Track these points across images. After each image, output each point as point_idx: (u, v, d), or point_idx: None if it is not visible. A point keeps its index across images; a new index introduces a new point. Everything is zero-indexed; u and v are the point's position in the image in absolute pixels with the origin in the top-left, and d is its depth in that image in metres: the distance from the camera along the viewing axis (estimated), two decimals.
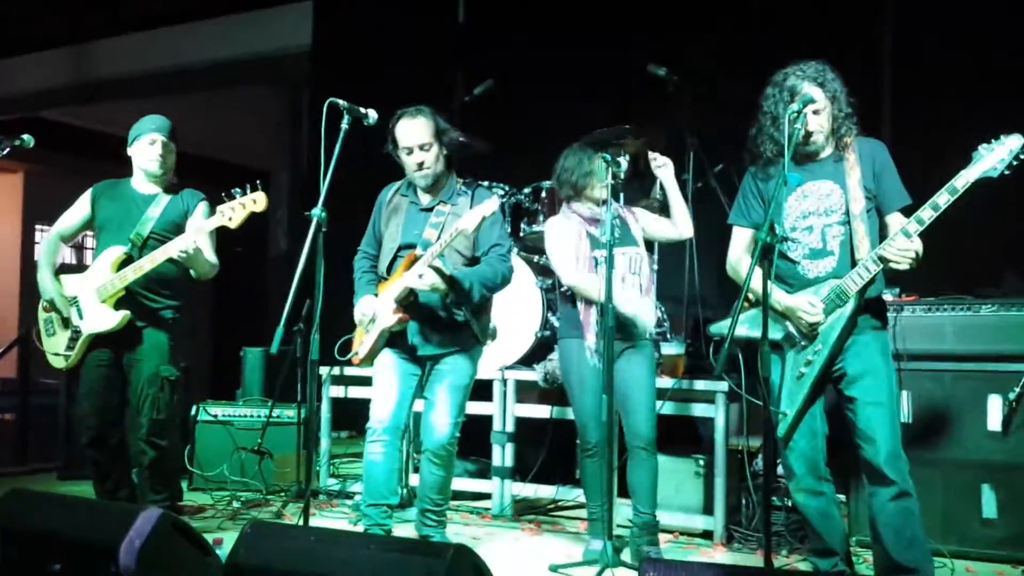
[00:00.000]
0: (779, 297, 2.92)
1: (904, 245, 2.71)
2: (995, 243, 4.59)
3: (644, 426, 3.56)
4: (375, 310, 3.49)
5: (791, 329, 2.92)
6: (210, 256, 3.78)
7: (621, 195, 3.96)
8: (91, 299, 3.72)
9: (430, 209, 3.54)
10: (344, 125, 3.31)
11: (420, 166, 3.49)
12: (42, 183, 11.52)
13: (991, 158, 2.67)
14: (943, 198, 2.67)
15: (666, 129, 4.73)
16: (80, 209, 3.93)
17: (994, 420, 3.52)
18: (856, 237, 2.86)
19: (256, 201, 3.56)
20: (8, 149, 3.67)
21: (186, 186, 3.96)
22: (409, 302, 3.45)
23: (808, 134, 2.91)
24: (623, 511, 3.82)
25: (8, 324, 10.44)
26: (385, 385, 3.52)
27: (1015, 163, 2.66)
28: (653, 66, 4.77)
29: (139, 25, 8.56)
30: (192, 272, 3.81)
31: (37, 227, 12.11)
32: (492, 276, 3.43)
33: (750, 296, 2.90)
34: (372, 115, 3.37)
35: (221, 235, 3.78)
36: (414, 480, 4.34)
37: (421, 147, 3.47)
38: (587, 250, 3.63)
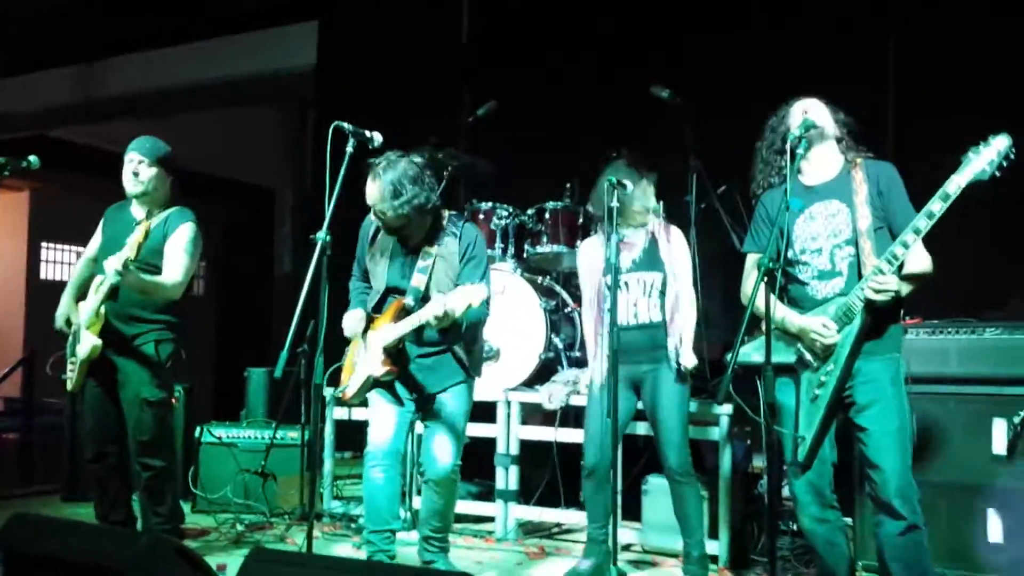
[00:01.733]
0: (792, 319, 2.92)
1: (879, 283, 2.73)
2: (999, 266, 4.58)
3: (675, 455, 3.59)
4: (362, 347, 3.46)
5: (803, 352, 2.91)
6: (166, 277, 3.74)
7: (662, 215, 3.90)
8: (83, 326, 3.80)
9: (416, 251, 3.49)
10: (349, 148, 3.31)
11: (386, 227, 3.46)
12: (48, 201, 11.54)
13: (980, 160, 2.67)
14: (936, 205, 2.67)
15: (669, 150, 4.73)
16: (98, 233, 4.05)
17: (999, 444, 3.50)
18: (863, 255, 2.85)
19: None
20: (14, 170, 3.70)
21: (191, 204, 3.98)
22: (398, 350, 3.43)
23: (812, 124, 2.91)
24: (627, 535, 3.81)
25: (13, 343, 10.44)
26: (382, 410, 3.50)
27: (1004, 164, 2.66)
28: (656, 87, 4.79)
29: (146, 44, 8.61)
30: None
31: (43, 245, 12.11)
32: (473, 318, 3.39)
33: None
34: (377, 138, 3.38)
35: (226, 257, 3.78)
36: (417, 502, 4.33)
37: (376, 212, 3.43)
38: (600, 275, 3.67)
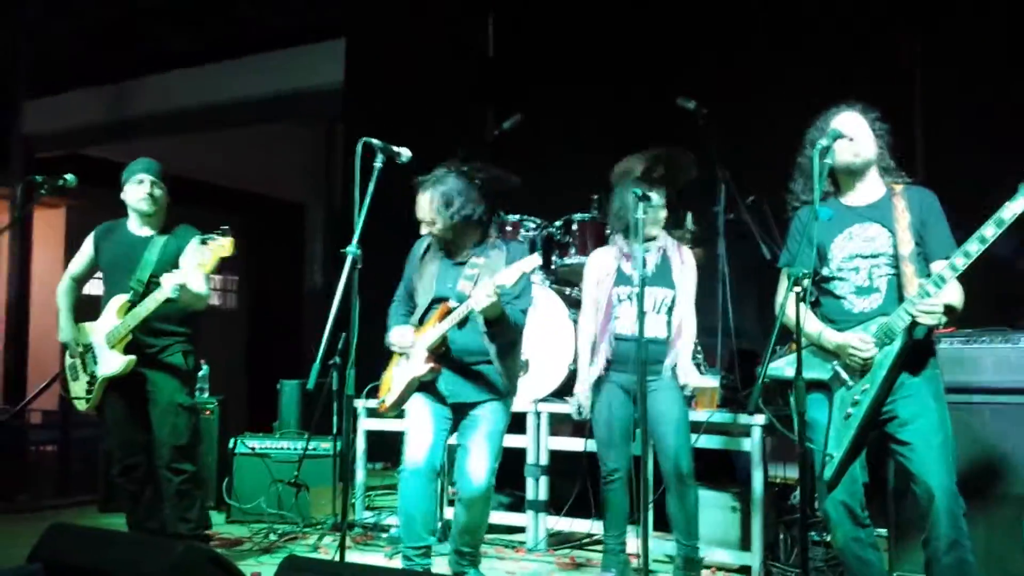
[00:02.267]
0: (829, 336, 2.90)
1: (929, 305, 2.71)
2: None
3: (680, 458, 3.57)
4: (404, 360, 3.52)
5: (839, 369, 2.90)
6: (199, 288, 3.85)
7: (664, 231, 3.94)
8: (103, 345, 3.87)
9: (463, 263, 3.56)
10: (377, 164, 3.36)
11: (433, 235, 3.57)
12: (84, 218, 11.70)
13: None
14: (989, 231, 2.65)
15: (697, 162, 4.73)
16: (85, 253, 4.11)
17: None
18: (904, 278, 2.84)
19: (224, 247, 3.63)
20: (52, 189, 3.82)
21: (219, 217, 4.06)
22: (441, 352, 3.47)
23: (855, 154, 2.90)
24: (663, 546, 3.80)
25: (51, 356, 10.60)
26: (418, 426, 3.51)
27: None
28: (682, 99, 4.80)
29: (176, 63, 8.76)
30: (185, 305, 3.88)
31: None
32: (515, 318, 3.45)
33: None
34: (405, 153, 3.42)
35: (258, 272, 3.84)
36: (448, 512, 4.34)
37: (426, 223, 3.54)
38: (610, 285, 3.68)
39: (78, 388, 3.96)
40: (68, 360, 4.02)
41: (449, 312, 3.43)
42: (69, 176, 3.82)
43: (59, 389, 6.30)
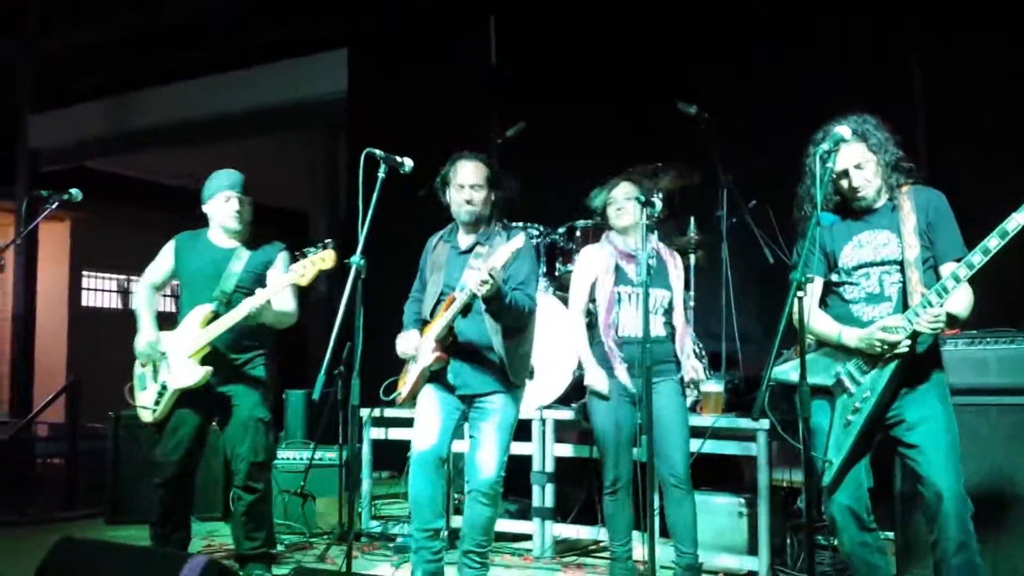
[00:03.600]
0: (850, 333, 2.89)
1: (932, 316, 2.71)
2: None
3: (678, 463, 3.55)
4: (417, 348, 3.54)
5: (843, 376, 2.90)
6: (287, 306, 3.87)
7: (655, 233, 3.96)
8: (179, 355, 3.80)
9: (469, 251, 3.61)
10: (381, 174, 3.38)
11: (468, 202, 3.58)
12: (89, 231, 11.81)
13: None
14: (993, 242, 2.65)
15: (700, 166, 4.74)
16: (165, 260, 4.03)
17: None
18: (910, 285, 2.84)
19: (325, 259, 3.64)
20: (57, 203, 3.83)
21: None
22: (449, 342, 3.50)
23: (854, 189, 2.92)
24: (669, 552, 3.79)
25: (57, 369, 10.66)
26: (427, 416, 3.56)
27: None
28: (683, 104, 4.81)
29: (180, 75, 8.80)
30: (266, 323, 3.86)
31: (84, 274, 12.38)
32: (521, 302, 3.47)
33: (808, 340, 2.88)
34: (408, 163, 3.44)
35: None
36: (456, 521, 4.34)
37: (473, 186, 3.57)
38: (611, 285, 3.66)
39: (146, 398, 3.87)
40: (138, 370, 3.94)
41: (454, 301, 3.46)
42: (74, 191, 3.81)
43: (65, 400, 6.41)
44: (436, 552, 3.54)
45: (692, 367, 3.72)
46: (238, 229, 3.95)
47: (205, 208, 3.98)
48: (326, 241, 3.68)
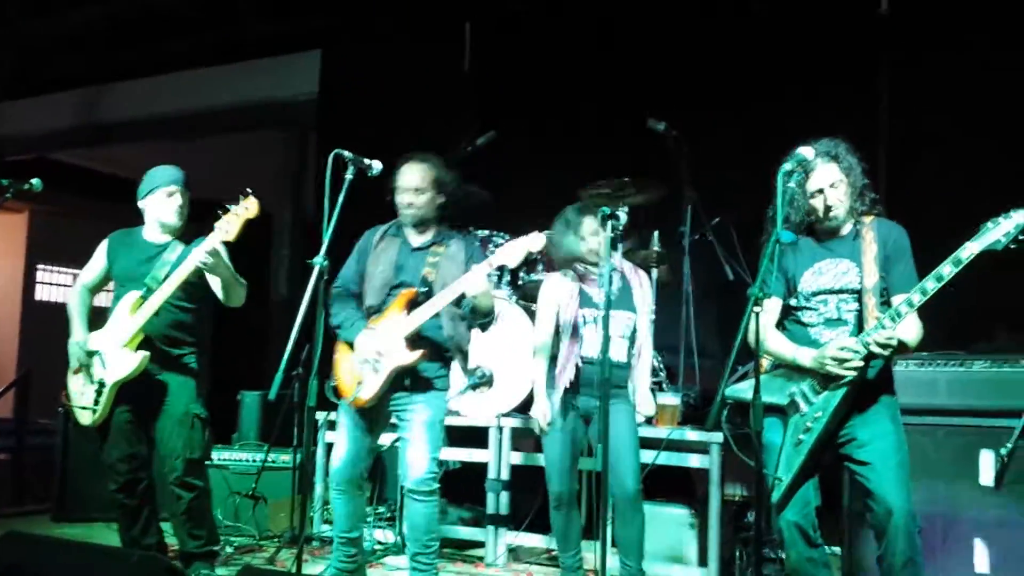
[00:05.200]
0: (804, 354, 2.93)
1: (885, 338, 2.76)
2: (987, 299, 4.63)
3: (628, 482, 3.56)
4: (381, 348, 3.50)
5: (796, 397, 2.94)
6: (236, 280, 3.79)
7: (619, 250, 3.97)
8: (112, 347, 3.71)
9: (424, 248, 3.62)
10: (348, 175, 3.37)
11: (409, 205, 3.60)
12: (47, 224, 11.59)
13: (997, 231, 2.68)
14: (947, 269, 2.70)
15: (666, 182, 4.80)
16: (98, 260, 3.95)
17: (986, 475, 3.52)
18: (866, 310, 2.89)
19: (248, 208, 3.57)
20: (15, 192, 3.74)
21: (189, 227, 3.99)
22: (420, 336, 3.50)
23: (829, 208, 2.97)
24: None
25: (7, 364, 10.44)
26: (345, 430, 3.62)
27: (1021, 237, 2.67)
28: (652, 121, 4.87)
29: (149, 70, 8.70)
30: (221, 296, 3.78)
31: (39, 267, 12.13)
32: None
33: (763, 361, 2.93)
34: (376, 166, 3.44)
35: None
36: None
37: (416, 190, 3.58)
38: (575, 309, 3.67)
39: (84, 399, 3.76)
40: (70, 378, 3.83)
41: (415, 298, 3.47)
42: (35, 180, 3.70)
43: (13, 395, 6.30)
44: (352, 556, 3.65)
45: (643, 400, 3.72)
46: (178, 225, 3.88)
47: (142, 203, 3.89)
48: (246, 191, 3.61)
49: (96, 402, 3.72)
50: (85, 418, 3.76)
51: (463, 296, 3.43)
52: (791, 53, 5.35)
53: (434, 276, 3.53)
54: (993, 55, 4.78)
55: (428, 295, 3.49)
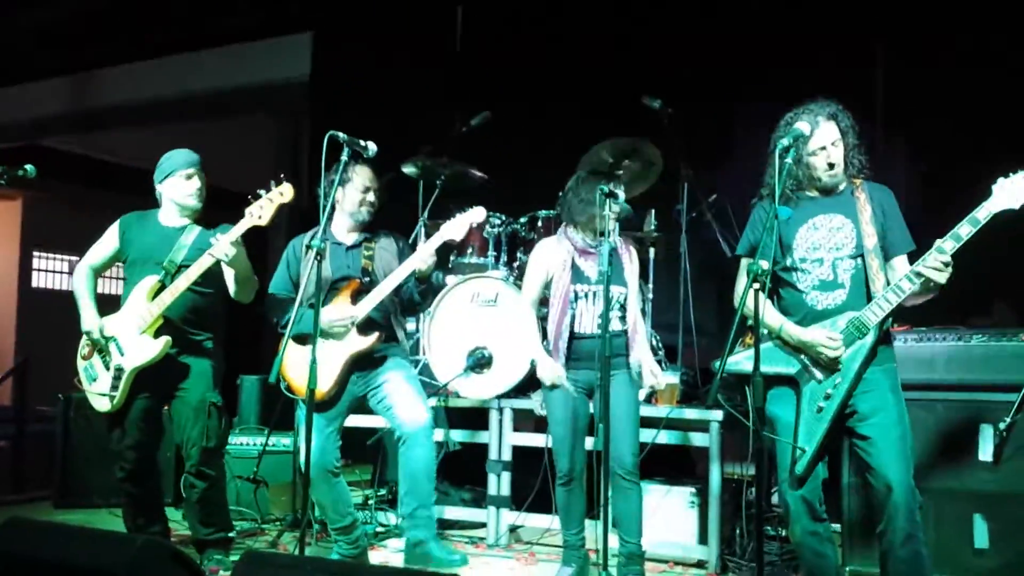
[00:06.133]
0: (793, 331, 2.93)
1: (940, 259, 2.72)
2: (986, 274, 4.63)
3: (627, 455, 3.56)
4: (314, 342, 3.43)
5: (808, 363, 2.93)
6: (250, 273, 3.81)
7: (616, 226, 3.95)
8: (130, 333, 3.68)
9: (357, 246, 3.78)
10: (343, 157, 3.36)
11: (371, 204, 3.78)
12: (41, 210, 11.52)
13: (1012, 190, 2.68)
14: (964, 229, 2.71)
15: (661, 159, 4.78)
16: (109, 242, 3.91)
17: (985, 450, 3.53)
18: (871, 271, 2.88)
19: (283, 193, 3.63)
20: (9, 179, 3.70)
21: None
22: (368, 322, 3.65)
23: (831, 164, 2.96)
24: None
25: (5, 352, 10.42)
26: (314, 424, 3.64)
27: None
28: (648, 98, 4.84)
29: (140, 54, 8.63)
30: (234, 290, 3.78)
31: (35, 254, 12.08)
32: (439, 280, 3.83)
33: (761, 331, 2.92)
34: (371, 147, 3.43)
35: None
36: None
37: (375, 190, 3.78)
38: (567, 282, 3.65)
39: (100, 386, 3.72)
40: (81, 363, 3.81)
41: (359, 287, 3.64)
42: (29, 167, 3.65)
43: (12, 383, 6.27)
44: (352, 542, 3.74)
45: (651, 372, 3.67)
46: (198, 207, 3.87)
47: (160, 187, 3.86)
48: (280, 176, 3.65)
49: (114, 388, 3.68)
50: (102, 405, 3.73)
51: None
52: (787, 28, 5.33)
53: (372, 267, 3.70)
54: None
55: (371, 284, 3.65)
